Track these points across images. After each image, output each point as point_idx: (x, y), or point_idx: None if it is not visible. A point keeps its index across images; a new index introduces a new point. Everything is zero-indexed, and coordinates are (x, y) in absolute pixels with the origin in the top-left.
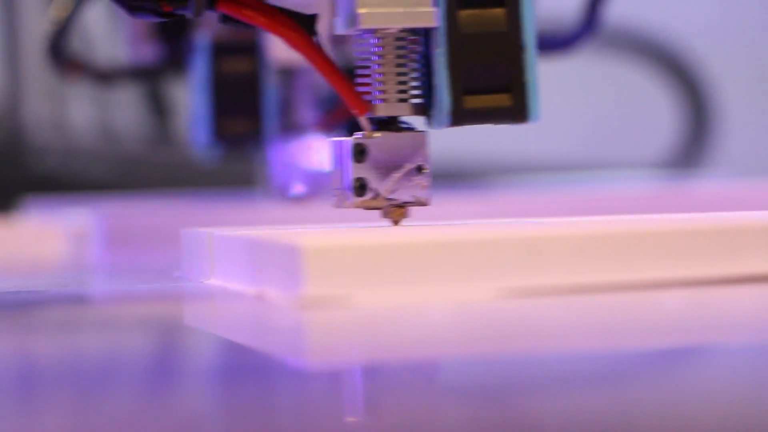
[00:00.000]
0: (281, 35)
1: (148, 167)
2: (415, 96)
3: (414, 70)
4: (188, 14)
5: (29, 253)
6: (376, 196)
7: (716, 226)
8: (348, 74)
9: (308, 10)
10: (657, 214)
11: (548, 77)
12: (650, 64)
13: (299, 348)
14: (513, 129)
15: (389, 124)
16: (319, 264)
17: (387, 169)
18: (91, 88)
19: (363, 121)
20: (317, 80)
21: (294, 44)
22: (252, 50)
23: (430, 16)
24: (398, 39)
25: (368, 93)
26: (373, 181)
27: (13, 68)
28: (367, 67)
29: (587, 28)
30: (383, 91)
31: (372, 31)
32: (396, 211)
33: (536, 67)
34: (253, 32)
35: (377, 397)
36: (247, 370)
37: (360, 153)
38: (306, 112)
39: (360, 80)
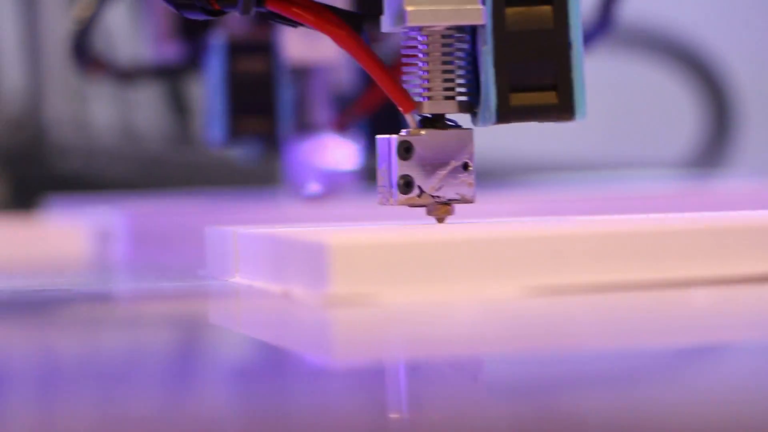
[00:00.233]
0: (328, 33)
1: (169, 166)
2: (461, 93)
3: (460, 67)
4: (237, 12)
5: (53, 252)
6: (422, 193)
7: (739, 224)
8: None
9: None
10: (679, 213)
11: None
12: (672, 64)
13: (325, 346)
14: (534, 128)
15: (435, 121)
16: (345, 262)
17: (432, 166)
18: (112, 88)
19: (409, 118)
20: (332, 79)
21: (341, 42)
22: (267, 49)
23: (477, 13)
24: (444, 36)
25: (414, 90)
26: (418, 179)
27: (35, 68)
28: (414, 65)
29: (601, 28)
30: (429, 89)
31: (419, 29)
32: (441, 209)
33: (583, 64)
34: (268, 31)
35: (404, 394)
36: (273, 368)
37: (406, 150)
38: (321, 111)
39: (406, 78)
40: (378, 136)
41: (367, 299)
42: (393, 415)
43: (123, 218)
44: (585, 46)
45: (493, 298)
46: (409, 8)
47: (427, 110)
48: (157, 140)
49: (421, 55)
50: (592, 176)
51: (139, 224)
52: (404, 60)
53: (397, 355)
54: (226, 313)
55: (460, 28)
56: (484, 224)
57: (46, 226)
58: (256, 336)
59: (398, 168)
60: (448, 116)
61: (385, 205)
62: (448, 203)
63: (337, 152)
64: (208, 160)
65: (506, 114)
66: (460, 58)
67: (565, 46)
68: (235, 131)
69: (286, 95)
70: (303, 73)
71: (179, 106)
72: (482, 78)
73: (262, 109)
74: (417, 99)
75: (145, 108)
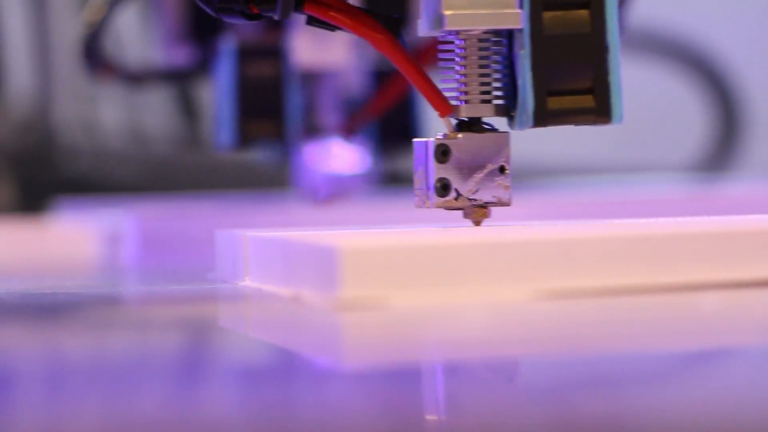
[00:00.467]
0: (366, 37)
1: (178, 169)
2: (498, 97)
3: (496, 71)
4: (275, 16)
5: (62, 255)
6: (458, 196)
7: (748, 227)
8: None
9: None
10: (688, 216)
11: None
12: (680, 67)
13: (335, 349)
14: (543, 132)
15: (472, 124)
16: (355, 265)
17: (469, 169)
18: (121, 91)
19: (446, 121)
20: (341, 84)
21: (378, 46)
22: (276, 54)
23: (515, 17)
24: (481, 40)
25: (451, 94)
26: (455, 182)
27: (44, 71)
28: (451, 69)
29: None
30: (466, 92)
31: (456, 33)
32: (478, 212)
33: (620, 68)
34: (278, 36)
35: (414, 398)
36: (283, 371)
37: (443, 153)
38: (329, 116)
39: (443, 81)
40: (415, 140)
41: (378, 303)
42: (403, 419)
43: (132, 221)
44: None
45: (503, 301)
46: (447, 12)
47: (464, 114)
48: (166, 143)
49: (458, 59)
50: (601, 180)
51: (148, 227)
52: (441, 64)
53: (407, 358)
54: (236, 316)
55: (497, 32)
56: (493, 228)
57: (55, 228)
58: (267, 339)
59: (435, 171)
60: (484, 119)
61: (421, 207)
62: (484, 206)
63: (346, 156)
64: (217, 163)
65: (544, 117)
66: (496, 62)
67: (602, 50)
68: (245, 135)
69: (295, 99)
70: (312, 78)
71: (188, 110)
72: (519, 81)
73: (271, 114)
74: (454, 102)
75: (155, 111)
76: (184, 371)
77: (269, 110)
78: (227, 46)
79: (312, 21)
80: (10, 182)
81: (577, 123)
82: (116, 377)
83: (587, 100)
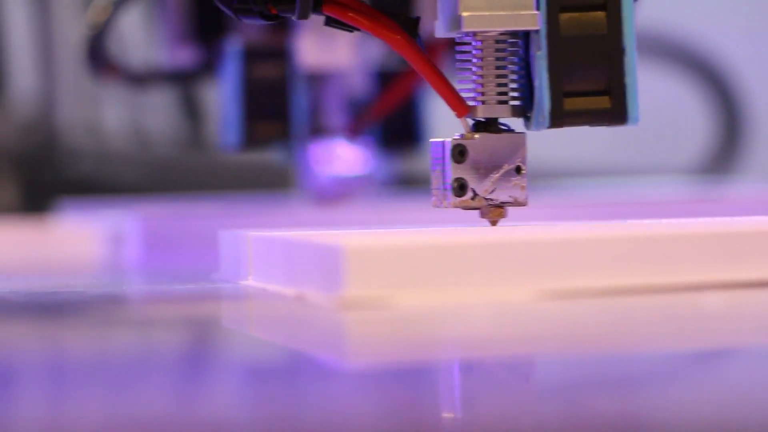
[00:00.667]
0: (384, 37)
1: (181, 170)
2: (514, 98)
3: (513, 72)
4: (293, 17)
5: (65, 256)
6: (475, 196)
7: (751, 229)
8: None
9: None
10: (693, 218)
11: None
12: (683, 70)
13: (339, 349)
14: (546, 134)
15: (488, 125)
16: (359, 265)
17: (486, 169)
18: (124, 92)
19: (463, 122)
20: (346, 85)
21: (396, 46)
22: (282, 55)
23: (532, 18)
24: (498, 41)
25: (468, 95)
26: (472, 182)
27: (47, 72)
28: (468, 69)
29: None
30: (483, 93)
31: (473, 34)
32: (494, 211)
33: (636, 69)
34: (284, 38)
35: (418, 397)
36: (287, 371)
37: (460, 154)
38: (335, 117)
39: (460, 82)
40: (431, 140)
41: (381, 302)
42: (407, 418)
43: (135, 222)
44: None
45: (507, 301)
46: (464, 14)
47: (481, 114)
48: (169, 144)
49: (474, 60)
50: (604, 182)
51: (151, 228)
52: (458, 65)
53: (410, 357)
54: (239, 315)
55: (513, 33)
56: (498, 228)
57: (59, 229)
58: (270, 338)
59: (452, 171)
60: (501, 120)
61: (438, 207)
62: (501, 206)
63: (350, 157)
64: (220, 164)
65: (560, 118)
66: (513, 63)
67: (618, 52)
68: (250, 136)
69: (300, 101)
70: (317, 79)
71: (192, 111)
72: (536, 82)
73: (276, 115)
74: (470, 103)
75: (158, 112)
76: (188, 370)
77: (275, 111)
78: (233, 47)
79: (330, 22)
80: (14, 183)
81: (592, 124)
82: (120, 376)
83: (603, 101)
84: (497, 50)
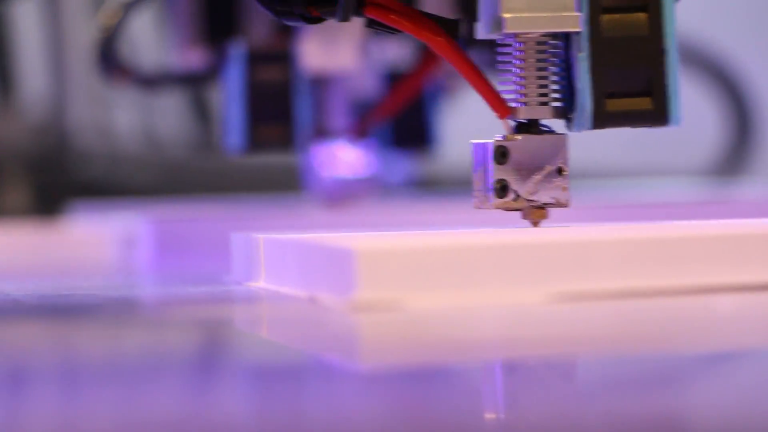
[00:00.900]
0: (426, 39)
1: (192, 173)
2: (556, 99)
3: (554, 73)
4: (336, 19)
5: (77, 258)
6: (517, 197)
7: (762, 231)
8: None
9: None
10: (703, 220)
11: None
12: (694, 72)
13: (351, 351)
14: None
15: (530, 126)
16: (371, 267)
17: (528, 171)
18: (135, 94)
19: (505, 123)
20: (350, 88)
21: (438, 48)
22: (286, 58)
23: (574, 20)
24: (539, 43)
25: (510, 96)
26: (514, 183)
27: (58, 74)
28: (509, 71)
29: None
30: (524, 95)
31: (514, 35)
32: (536, 213)
33: (677, 70)
34: (287, 41)
35: (430, 400)
36: (299, 373)
37: (501, 155)
38: (339, 119)
39: (501, 84)
40: (472, 141)
41: (394, 305)
42: (419, 420)
43: (147, 224)
44: None
45: (519, 303)
46: (506, 15)
47: (523, 116)
48: (180, 147)
49: (516, 62)
50: (615, 183)
51: (163, 230)
52: (500, 66)
53: (422, 360)
54: (251, 318)
55: (554, 35)
56: (510, 230)
57: (70, 232)
58: (282, 341)
59: (494, 172)
60: (542, 122)
61: (480, 208)
62: (543, 207)
63: (355, 159)
64: (231, 166)
65: (602, 119)
66: (554, 64)
67: (660, 53)
68: (254, 140)
69: (304, 104)
70: (321, 82)
71: (203, 113)
72: (577, 84)
73: (280, 118)
74: (512, 104)
75: (169, 115)
76: (200, 372)
77: (279, 114)
78: (237, 50)
79: (372, 24)
80: (25, 186)
81: (635, 125)
82: (133, 378)
83: (645, 103)
84: (538, 51)
